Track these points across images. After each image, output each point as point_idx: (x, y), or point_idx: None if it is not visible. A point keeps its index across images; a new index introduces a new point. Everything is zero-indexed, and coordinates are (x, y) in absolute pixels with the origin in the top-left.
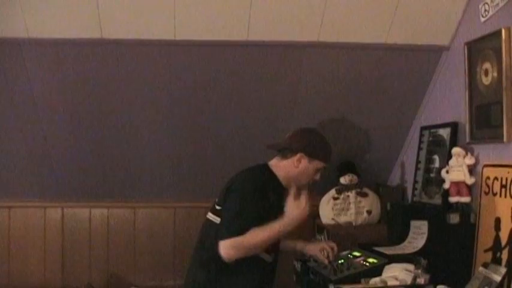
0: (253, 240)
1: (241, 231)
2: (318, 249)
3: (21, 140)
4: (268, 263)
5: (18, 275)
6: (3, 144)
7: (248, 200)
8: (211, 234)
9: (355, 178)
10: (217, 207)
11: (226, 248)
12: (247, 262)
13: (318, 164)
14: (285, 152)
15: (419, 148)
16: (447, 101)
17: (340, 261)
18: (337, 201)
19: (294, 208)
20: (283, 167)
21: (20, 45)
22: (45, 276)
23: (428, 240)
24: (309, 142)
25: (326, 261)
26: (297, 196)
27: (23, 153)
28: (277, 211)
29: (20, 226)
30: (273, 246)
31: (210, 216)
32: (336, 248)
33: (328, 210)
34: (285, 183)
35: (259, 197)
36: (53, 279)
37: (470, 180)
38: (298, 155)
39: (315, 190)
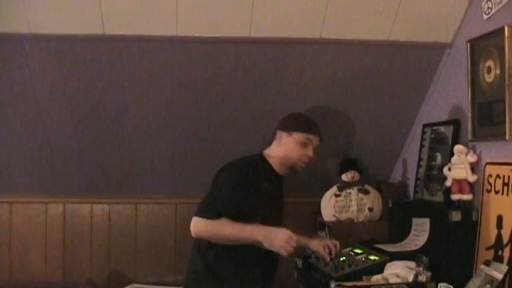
0: (220, 230)
1: (215, 214)
2: (321, 246)
3: (23, 136)
4: (268, 250)
5: (20, 270)
6: (4, 140)
7: (230, 186)
8: None
9: (356, 175)
10: None
11: (196, 226)
12: (246, 250)
13: (299, 136)
14: (270, 139)
15: (421, 145)
16: (449, 99)
17: (341, 258)
18: (339, 198)
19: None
20: (273, 153)
21: (22, 41)
22: (46, 271)
23: (430, 237)
24: (284, 119)
25: (328, 258)
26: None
27: (24, 148)
28: (269, 199)
29: (22, 222)
30: None
31: None
32: (338, 246)
33: (329, 207)
34: (282, 171)
35: (243, 185)
36: (54, 275)
37: (472, 178)
38: (278, 134)
39: (317, 186)
